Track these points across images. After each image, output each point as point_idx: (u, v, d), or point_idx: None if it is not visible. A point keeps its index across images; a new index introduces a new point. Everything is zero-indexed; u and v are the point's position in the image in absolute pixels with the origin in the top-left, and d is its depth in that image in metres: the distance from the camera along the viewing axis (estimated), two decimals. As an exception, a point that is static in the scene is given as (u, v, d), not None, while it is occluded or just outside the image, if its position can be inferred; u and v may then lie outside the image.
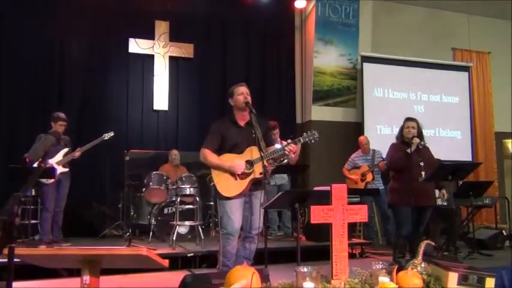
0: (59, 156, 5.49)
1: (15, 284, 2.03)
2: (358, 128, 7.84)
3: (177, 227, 5.44)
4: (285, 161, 5.79)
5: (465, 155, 8.44)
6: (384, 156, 5.58)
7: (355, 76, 8.22)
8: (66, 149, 5.56)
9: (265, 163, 3.54)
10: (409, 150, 4.55)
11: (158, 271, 4.28)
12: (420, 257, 2.79)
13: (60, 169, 5.45)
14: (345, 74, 8.20)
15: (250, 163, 3.59)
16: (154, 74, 7.53)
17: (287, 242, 5.89)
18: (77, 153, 5.52)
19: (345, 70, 8.20)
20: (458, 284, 2.59)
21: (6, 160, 6.22)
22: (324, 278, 2.52)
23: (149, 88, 7.49)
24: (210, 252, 4.84)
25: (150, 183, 5.98)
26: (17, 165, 5.30)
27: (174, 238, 5.29)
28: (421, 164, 4.47)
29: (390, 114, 7.81)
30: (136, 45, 7.43)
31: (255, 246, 3.72)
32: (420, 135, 4.69)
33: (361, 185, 6.60)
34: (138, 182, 6.31)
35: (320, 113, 8.02)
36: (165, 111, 7.56)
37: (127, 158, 5.75)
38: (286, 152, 3.62)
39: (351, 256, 5.49)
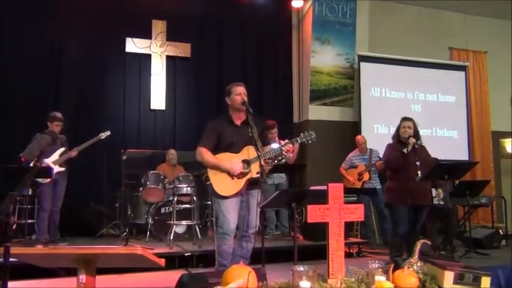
0: (56, 155, 5.48)
1: (12, 283, 2.02)
2: (355, 127, 7.85)
3: (174, 226, 5.43)
4: (283, 160, 5.80)
5: (462, 154, 8.46)
6: (381, 155, 5.59)
7: (352, 75, 8.23)
8: (62, 149, 5.55)
9: (262, 162, 3.54)
10: (405, 150, 4.56)
11: (155, 270, 4.29)
12: (416, 256, 2.80)
13: (56, 168, 5.44)
14: (342, 73, 8.21)
15: (247, 162, 3.59)
16: (152, 73, 7.51)
17: (284, 241, 5.89)
18: (74, 153, 5.52)
19: (342, 69, 8.20)
20: (454, 282, 2.59)
21: (2, 160, 6.19)
22: (320, 277, 2.53)
23: (146, 87, 7.48)
24: (207, 252, 4.83)
25: (147, 183, 5.98)
26: (13, 165, 5.28)
27: (171, 237, 5.29)
28: (417, 163, 4.48)
29: (387, 114, 7.82)
30: (133, 45, 7.42)
31: (252, 245, 3.72)
32: (416, 134, 4.71)
33: (358, 185, 6.62)
34: (135, 181, 6.31)
35: (317, 112, 8.03)
36: (162, 110, 7.55)
37: (124, 157, 5.74)
38: (284, 153, 3.63)
39: (348, 255, 5.49)
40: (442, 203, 5.71)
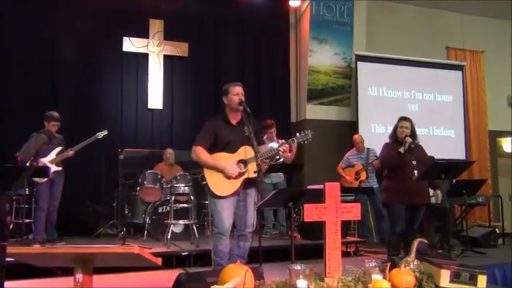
0: (52, 155, 5.47)
1: (8, 283, 2.02)
2: (352, 126, 7.86)
3: (172, 225, 5.43)
4: (281, 159, 5.82)
5: (459, 154, 8.48)
6: (378, 154, 5.60)
7: (349, 75, 8.24)
8: (59, 148, 5.54)
9: (259, 162, 3.54)
10: (401, 150, 4.57)
11: (153, 270, 4.29)
12: (413, 255, 2.80)
13: (53, 168, 5.42)
14: (340, 72, 8.22)
15: (243, 162, 3.59)
16: (149, 72, 7.51)
17: (282, 240, 5.90)
18: (70, 152, 5.50)
19: (340, 69, 8.21)
20: (451, 281, 2.60)
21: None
22: (317, 276, 2.53)
23: (143, 87, 7.48)
24: (204, 251, 4.83)
25: (145, 182, 5.97)
26: (9, 164, 5.27)
27: (169, 237, 5.28)
28: (414, 162, 4.49)
29: (384, 113, 7.83)
30: (131, 44, 7.41)
31: (249, 244, 3.73)
32: (413, 134, 4.72)
33: (356, 184, 6.63)
34: (133, 180, 6.30)
35: (315, 111, 8.03)
36: (160, 110, 7.55)
37: (121, 156, 5.72)
38: (280, 153, 3.64)
39: (346, 254, 5.51)
40: (439, 202, 5.73)
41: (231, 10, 7.90)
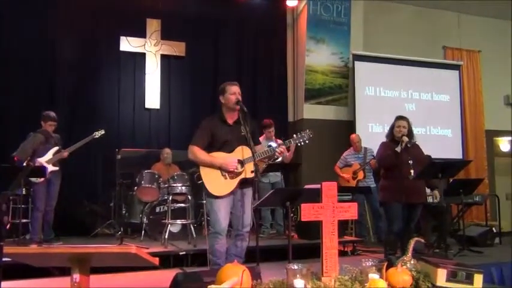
0: (49, 154, 5.45)
1: (5, 283, 2.02)
2: (349, 126, 7.87)
3: (169, 225, 5.43)
4: (279, 159, 5.82)
5: (456, 153, 8.51)
6: (375, 154, 5.61)
7: (346, 74, 8.25)
8: (56, 148, 5.52)
9: (257, 162, 3.54)
10: (397, 149, 4.59)
11: (150, 269, 4.28)
12: (410, 254, 2.81)
13: (50, 168, 5.41)
14: (337, 72, 8.22)
15: (241, 162, 3.59)
16: (146, 72, 7.50)
17: (279, 240, 5.90)
18: (65, 154, 5.49)
19: (337, 68, 8.22)
20: (447, 280, 2.61)
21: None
22: (314, 275, 2.54)
23: (141, 86, 7.46)
24: (202, 251, 4.82)
25: (142, 182, 5.97)
26: (6, 164, 5.26)
27: (166, 237, 5.28)
28: (410, 162, 4.50)
29: (382, 113, 7.84)
30: (128, 44, 7.40)
31: (246, 244, 3.73)
32: (410, 133, 4.73)
33: (353, 183, 6.64)
34: (130, 180, 6.29)
35: (312, 111, 8.04)
36: (157, 109, 7.54)
37: (119, 156, 5.73)
38: (277, 154, 3.66)
39: (343, 253, 5.52)
40: (436, 201, 5.74)
41: (228, 10, 7.90)
